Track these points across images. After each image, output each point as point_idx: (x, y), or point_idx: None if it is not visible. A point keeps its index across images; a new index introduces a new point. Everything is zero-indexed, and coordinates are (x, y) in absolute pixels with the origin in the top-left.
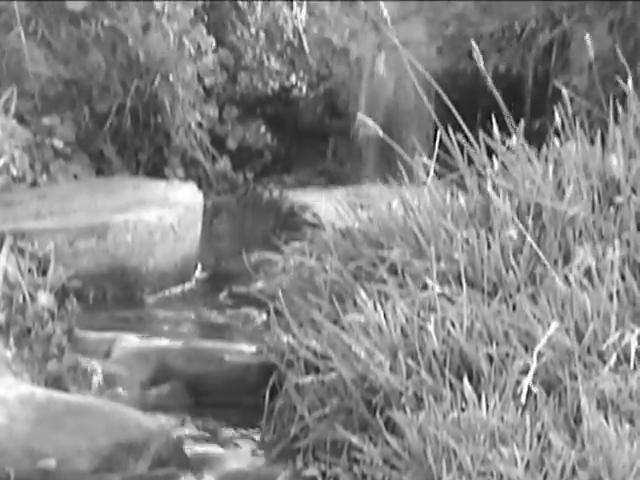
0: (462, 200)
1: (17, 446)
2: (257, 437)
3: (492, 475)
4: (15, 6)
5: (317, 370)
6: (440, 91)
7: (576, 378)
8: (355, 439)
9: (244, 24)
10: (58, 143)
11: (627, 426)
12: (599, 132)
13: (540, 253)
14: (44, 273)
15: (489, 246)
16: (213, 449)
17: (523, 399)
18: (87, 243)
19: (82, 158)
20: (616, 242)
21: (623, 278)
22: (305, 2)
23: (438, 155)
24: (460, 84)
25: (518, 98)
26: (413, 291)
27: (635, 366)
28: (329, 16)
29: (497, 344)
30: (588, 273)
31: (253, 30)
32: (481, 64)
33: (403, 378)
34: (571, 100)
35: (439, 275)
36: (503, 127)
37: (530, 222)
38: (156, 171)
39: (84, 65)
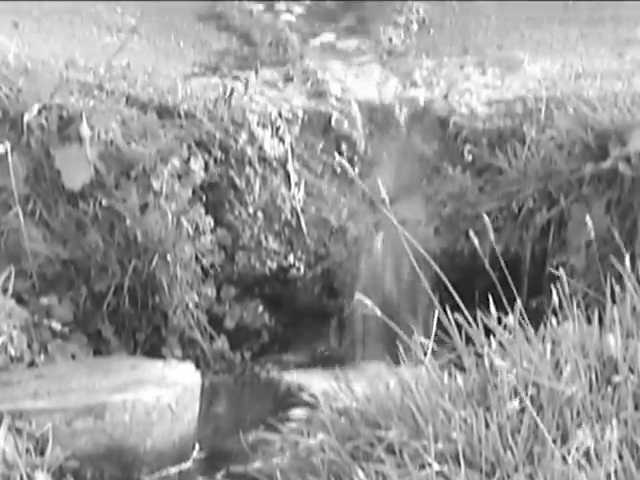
0: (460, 380)
1: None
2: None
3: None
4: (13, 185)
5: None
6: (438, 271)
7: None
8: None
9: (242, 204)
10: (56, 324)
11: None
12: (596, 311)
13: (538, 433)
14: (42, 453)
15: (487, 425)
16: None
17: None
18: (85, 423)
19: (80, 338)
20: (614, 422)
21: (621, 458)
22: (303, 182)
23: (436, 334)
24: (458, 263)
25: (516, 277)
26: (411, 471)
27: None
28: (327, 196)
29: None
30: (587, 453)
31: (251, 210)
32: (478, 244)
33: None
34: (568, 280)
35: (437, 455)
36: (501, 306)
37: (528, 401)
38: (154, 351)
39: (82, 245)
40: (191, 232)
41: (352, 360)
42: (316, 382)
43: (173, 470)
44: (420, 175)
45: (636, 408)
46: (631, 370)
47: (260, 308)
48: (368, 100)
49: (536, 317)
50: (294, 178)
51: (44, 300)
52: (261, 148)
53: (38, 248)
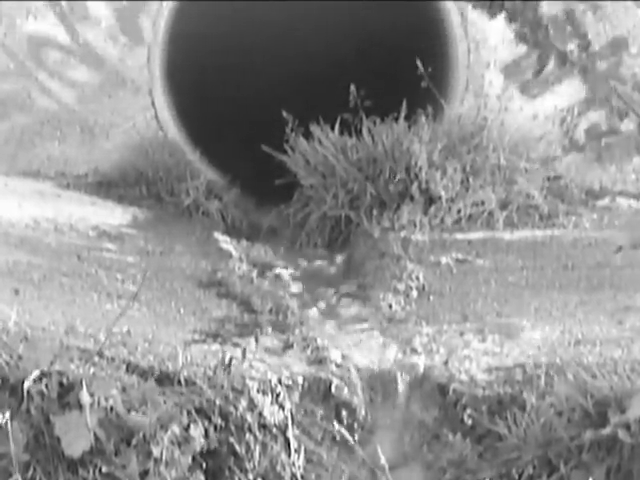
0: None
1: None
2: None
3: None
4: (13, 453)
5: None
6: None
7: None
8: None
9: (242, 471)
10: None
11: None
12: None
13: None
14: None
15: None
16: None
17: None
18: None
19: None
20: None
21: None
22: (303, 449)
23: None
24: None
25: None
26: None
27: None
28: (327, 463)
29: None
30: None
31: (251, 477)
32: None
33: None
34: None
35: None
36: None
37: None
38: None
39: None
40: None
41: None
42: None
43: None
44: (420, 442)
45: None
46: None
47: None
48: (368, 367)
49: None
50: (294, 445)
51: None
52: (261, 415)
53: None
